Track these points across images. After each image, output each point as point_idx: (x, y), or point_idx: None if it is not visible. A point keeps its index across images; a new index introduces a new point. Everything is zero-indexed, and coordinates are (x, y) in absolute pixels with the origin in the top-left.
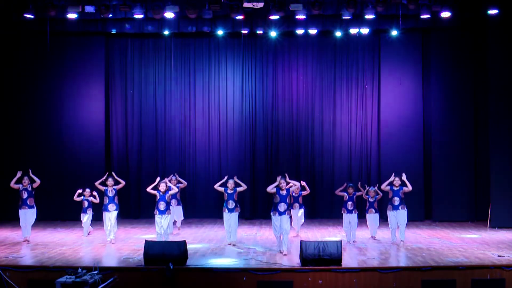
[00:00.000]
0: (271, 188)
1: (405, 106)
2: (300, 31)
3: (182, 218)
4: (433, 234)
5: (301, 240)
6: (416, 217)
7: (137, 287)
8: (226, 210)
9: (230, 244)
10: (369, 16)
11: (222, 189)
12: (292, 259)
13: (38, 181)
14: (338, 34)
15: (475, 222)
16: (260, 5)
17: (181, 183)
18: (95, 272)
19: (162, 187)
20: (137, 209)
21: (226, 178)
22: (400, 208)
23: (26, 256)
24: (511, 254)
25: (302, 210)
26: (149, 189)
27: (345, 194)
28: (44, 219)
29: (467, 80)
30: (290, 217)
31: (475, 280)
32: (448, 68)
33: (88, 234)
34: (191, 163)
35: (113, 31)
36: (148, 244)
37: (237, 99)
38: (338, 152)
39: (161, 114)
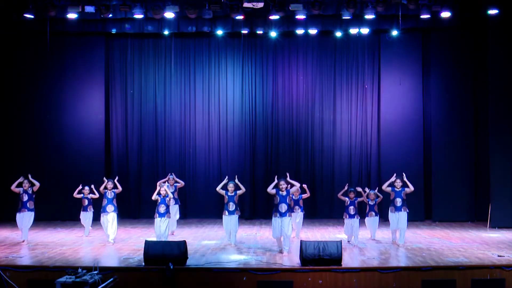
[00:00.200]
0: (270, 189)
1: (405, 106)
2: (300, 31)
3: (178, 217)
4: (433, 234)
5: (301, 240)
6: (416, 217)
7: (137, 287)
8: (227, 213)
9: (230, 244)
10: (369, 16)
11: (223, 192)
12: (292, 259)
13: (37, 184)
14: (338, 34)
15: (475, 222)
16: (260, 5)
17: (179, 182)
18: (95, 272)
19: (163, 191)
20: (137, 209)
21: (226, 179)
22: (402, 209)
23: (26, 256)
24: (511, 254)
25: (302, 214)
26: (153, 197)
27: (347, 199)
28: (44, 219)
29: (467, 80)
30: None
31: (475, 280)
32: (448, 68)
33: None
34: (191, 163)
35: (113, 31)
36: (148, 244)
37: (237, 99)
38: (338, 152)
39: (161, 114)
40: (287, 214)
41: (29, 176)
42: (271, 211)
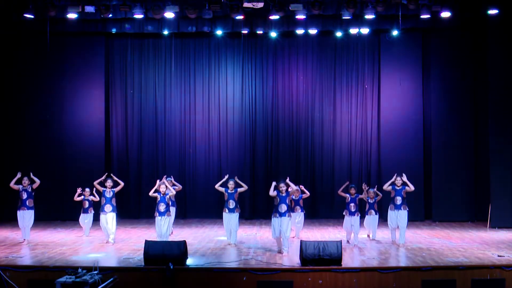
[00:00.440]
0: (272, 191)
1: (405, 106)
2: (300, 31)
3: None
4: (433, 234)
5: (301, 240)
6: (416, 217)
7: (137, 287)
8: (227, 210)
9: (230, 244)
10: (369, 16)
11: (222, 189)
12: (292, 259)
13: (38, 182)
14: (338, 34)
15: (475, 222)
16: (260, 5)
17: (176, 186)
18: (95, 272)
19: (162, 189)
20: (137, 209)
21: (226, 177)
22: (402, 208)
23: (26, 256)
24: (511, 254)
25: (302, 214)
26: (151, 193)
27: (348, 195)
28: (44, 219)
29: (467, 80)
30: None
31: (475, 280)
32: (448, 68)
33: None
34: (191, 163)
35: (113, 31)
36: (148, 244)
37: (237, 99)
38: (338, 152)
39: (161, 114)
40: (287, 215)
41: (30, 174)
42: (271, 211)
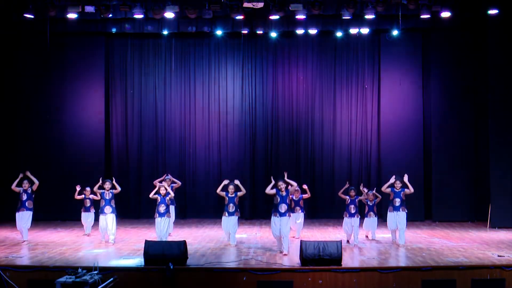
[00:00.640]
0: (269, 189)
1: (405, 106)
2: (300, 31)
3: (173, 219)
4: (433, 234)
5: (301, 240)
6: (416, 217)
7: (137, 287)
8: (226, 214)
9: (229, 244)
10: (369, 16)
11: (223, 193)
12: (292, 259)
13: (36, 182)
14: (338, 34)
15: (475, 222)
16: (260, 5)
17: (175, 183)
18: (95, 272)
19: (162, 190)
20: (137, 210)
21: (226, 182)
22: (400, 209)
23: (26, 256)
24: (511, 254)
25: (302, 215)
26: (151, 195)
27: (347, 197)
28: (44, 219)
29: (467, 80)
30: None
31: (475, 280)
32: (448, 68)
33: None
34: (191, 163)
35: (113, 31)
36: (148, 244)
37: (237, 99)
38: (338, 152)
39: (161, 114)
40: (287, 214)
41: (28, 172)
42: (271, 211)
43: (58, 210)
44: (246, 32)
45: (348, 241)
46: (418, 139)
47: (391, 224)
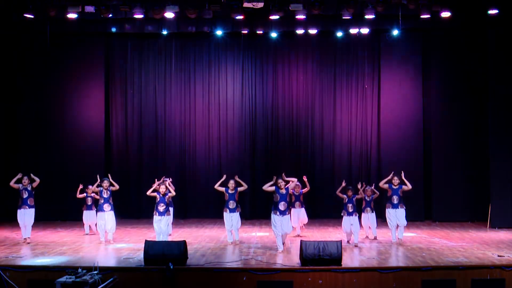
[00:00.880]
0: (267, 187)
1: (405, 106)
2: (300, 31)
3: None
4: (433, 234)
5: (301, 240)
6: (416, 217)
7: (137, 287)
8: (228, 210)
9: (231, 243)
10: (369, 16)
11: (222, 189)
12: (292, 259)
13: (37, 180)
14: (338, 34)
15: (475, 222)
16: (260, 5)
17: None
18: (95, 272)
19: (162, 189)
20: (137, 209)
21: (225, 177)
22: (399, 206)
23: (26, 256)
24: (511, 254)
25: (303, 209)
26: (149, 193)
27: (345, 196)
28: (44, 219)
29: (467, 80)
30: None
31: (475, 280)
32: (448, 68)
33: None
34: (191, 163)
35: (113, 31)
36: (148, 244)
37: (237, 99)
38: (338, 152)
39: (161, 114)
40: (287, 212)
41: (31, 175)
42: (270, 210)
43: (58, 210)
44: (246, 32)
45: (348, 241)
46: (418, 139)
47: (392, 220)
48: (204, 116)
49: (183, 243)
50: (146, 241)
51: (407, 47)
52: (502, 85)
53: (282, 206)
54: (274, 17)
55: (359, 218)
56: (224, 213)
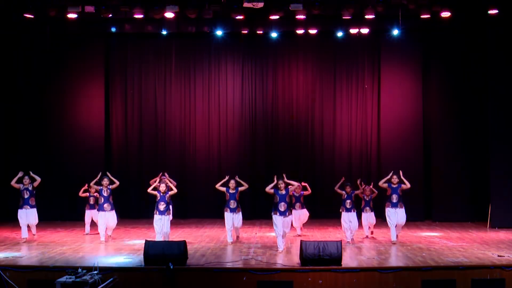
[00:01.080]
0: (269, 188)
1: (405, 106)
2: (300, 31)
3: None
4: (433, 234)
5: (301, 240)
6: (416, 217)
7: (137, 287)
8: (228, 210)
9: (231, 243)
10: (369, 16)
11: (223, 189)
12: (292, 259)
13: (38, 179)
14: (338, 34)
15: (475, 222)
16: (260, 5)
17: (171, 182)
18: (95, 272)
19: (162, 188)
20: (137, 209)
21: (227, 178)
22: (398, 206)
23: (26, 256)
24: (511, 254)
25: (304, 210)
26: (149, 190)
27: (343, 192)
28: (44, 219)
29: (467, 80)
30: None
31: (475, 280)
32: (448, 68)
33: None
34: (191, 163)
35: (113, 30)
36: (148, 244)
37: (237, 99)
38: (338, 152)
39: (161, 114)
40: (287, 213)
41: (30, 172)
42: (271, 211)
43: (58, 210)
44: (246, 32)
45: (348, 242)
46: (418, 139)
47: (393, 219)
48: (204, 116)
49: (183, 243)
50: (146, 241)
51: (407, 47)
52: (502, 85)
53: (281, 206)
54: (274, 17)
55: (359, 217)
56: (225, 213)
